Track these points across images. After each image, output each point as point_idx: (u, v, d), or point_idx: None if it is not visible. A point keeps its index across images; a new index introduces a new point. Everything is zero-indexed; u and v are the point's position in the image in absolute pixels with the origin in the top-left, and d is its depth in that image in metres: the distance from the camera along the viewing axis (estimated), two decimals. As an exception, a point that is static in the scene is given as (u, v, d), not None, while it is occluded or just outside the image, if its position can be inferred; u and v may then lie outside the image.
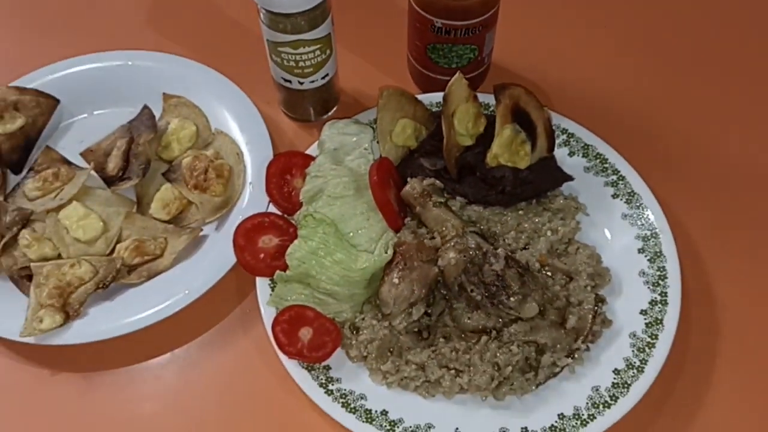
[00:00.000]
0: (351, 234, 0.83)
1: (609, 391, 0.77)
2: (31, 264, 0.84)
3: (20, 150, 0.94)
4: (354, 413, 0.76)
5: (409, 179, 0.87)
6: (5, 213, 0.88)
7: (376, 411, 0.77)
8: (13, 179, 0.94)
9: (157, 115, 0.96)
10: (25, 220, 0.88)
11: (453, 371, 0.78)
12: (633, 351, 0.80)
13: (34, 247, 0.85)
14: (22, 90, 0.96)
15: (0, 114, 0.93)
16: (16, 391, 0.82)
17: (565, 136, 0.94)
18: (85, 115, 0.99)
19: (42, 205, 0.89)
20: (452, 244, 0.80)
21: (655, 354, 0.79)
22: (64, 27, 1.09)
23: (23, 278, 0.85)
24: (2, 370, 0.83)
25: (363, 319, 0.81)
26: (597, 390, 0.78)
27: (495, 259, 0.79)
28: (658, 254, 0.85)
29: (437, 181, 0.87)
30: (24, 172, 0.94)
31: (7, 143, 0.93)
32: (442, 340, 0.80)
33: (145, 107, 0.95)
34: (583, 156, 0.93)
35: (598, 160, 0.92)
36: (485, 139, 0.89)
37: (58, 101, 0.97)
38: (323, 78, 0.93)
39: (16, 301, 0.84)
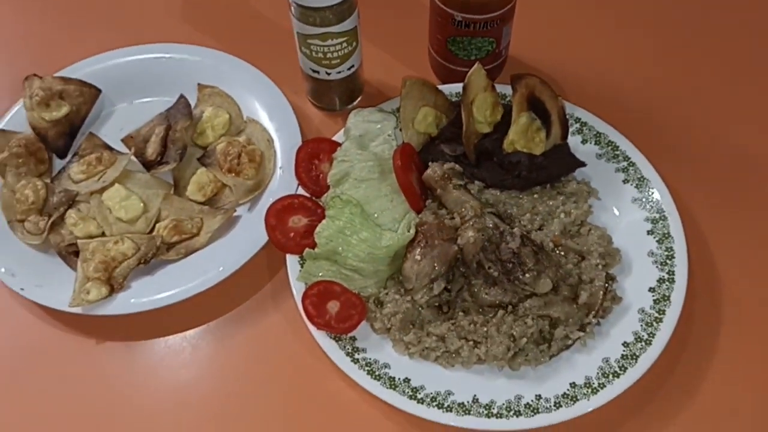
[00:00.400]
0: (375, 214, 0.88)
1: (618, 362, 0.82)
2: (78, 241, 0.90)
3: (65, 136, 1.00)
4: (379, 380, 0.82)
5: (430, 163, 0.92)
6: (53, 194, 0.94)
7: (399, 378, 0.82)
8: (58, 163, 1.00)
9: (193, 104, 1.02)
10: (71, 201, 0.94)
11: (471, 342, 0.83)
12: (641, 325, 0.84)
13: (80, 226, 0.91)
14: (66, 80, 1.02)
15: (46, 102, 0.99)
16: (65, 358, 0.88)
17: (578, 125, 0.98)
18: (126, 104, 1.05)
19: (86, 187, 0.95)
20: (471, 223, 0.85)
21: (662, 328, 0.83)
22: (105, 21, 1.16)
23: (70, 254, 0.91)
24: (52, 339, 0.89)
25: (386, 293, 0.86)
26: (607, 361, 0.82)
27: (511, 238, 0.84)
28: (666, 236, 0.89)
29: (457, 165, 0.92)
30: (69, 157, 1.00)
31: (53, 130, 0.99)
32: (461, 313, 0.85)
33: (182, 96, 1.01)
34: (595, 143, 0.97)
35: (609, 147, 0.97)
36: (502, 126, 0.94)
37: (100, 91, 1.03)
38: (349, 69, 0.98)
39: (63, 276, 0.90)
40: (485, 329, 0.83)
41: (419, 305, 0.85)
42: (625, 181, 0.95)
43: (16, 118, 1.01)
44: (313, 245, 0.86)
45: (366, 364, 0.83)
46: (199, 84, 1.03)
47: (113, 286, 0.87)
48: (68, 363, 0.88)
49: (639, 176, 0.94)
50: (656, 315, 0.84)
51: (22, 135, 0.98)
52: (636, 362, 0.81)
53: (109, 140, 1.00)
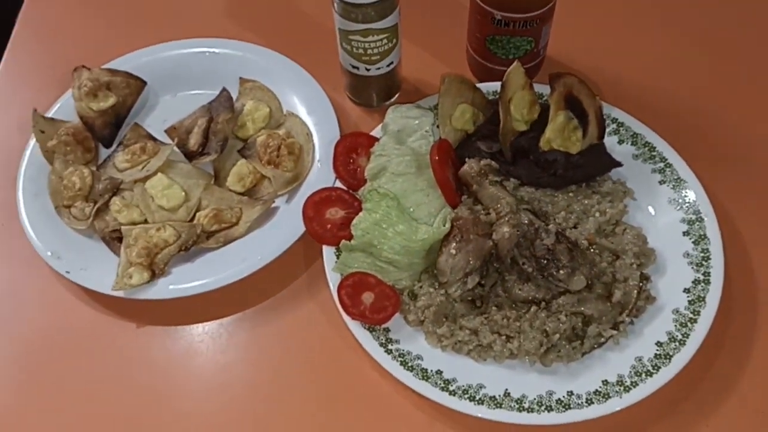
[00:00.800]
0: (412, 208, 0.89)
1: (651, 361, 0.82)
2: (122, 227, 0.93)
3: (111, 126, 1.03)
4: (411, 371, 0.83)
5: (467, 159, 0.93)
6: (98, 182, 0.97)
7: (431, 370, 0.83)
8: (104, 152, 1.03)
9: (234, 97, 1.04)
10: (116, 189, 0.96)
11: (504, 337, 0.84)
12: (675, 325, 0.84)
13: (123, 213, 0.94)
14: (114, 72, 1.04)
15: (94, 93, 1.02)
16: (106, 340, 0.90)
17: (615, 125, 0.98)
18: (169, 96, 1.08)
19: (130, 176, 0.97)
20: (506, 219, 0.86)
21: (697, 329, 0.83)
22: (152, 16, 1.19)
23: (114, 240, 0.94)
24: (94, 321, 0.91)
25: (421, 286, 0.87)
26: (640, 360, 0.82)
27: (546, 235, 0.85)
28: (702, 237, 0.89)
29: (493, 162, 0.92)
30: (114, 146, 1.02)
31: (100, 119, 1.02)
32: (494, 308, 0.86)
33: (224, 90, 1.03)
34: (632, 144, 0.97)
35: (646, 148, 0.96)
36: (539, 125, 0.94)
37: (145, 83, 1.06)
38: (388, 66, 0.99)
39: (107, 261, 0.92)
40: (518, 324, 0.84)
41: (453, 299, 0.86)
42: (662, 182, 0.94)
43: (64, 108, 1.04)
44: (350, 237, 0.88)
45: (399, 355, 0.84)
46: (241, 78, 1.05)
47: (155, 271, 0.90)
48: (109, 345, 0.90)
49: (676, 177, 0.94)
50: (691, 316, 0.84)
51: (70, 124, 1.01)
52: (669, 362, 0.81)
53: (152, 131, 1.03)
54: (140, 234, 0.91)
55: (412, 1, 1.03)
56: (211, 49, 1.08)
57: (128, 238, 0.92)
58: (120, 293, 0.89)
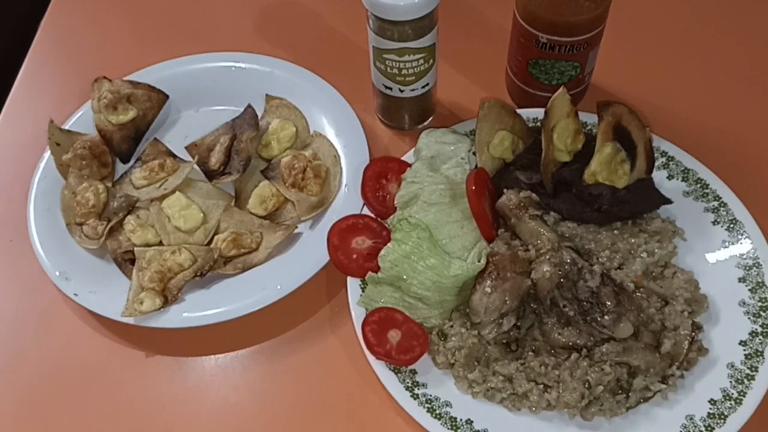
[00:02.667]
0: (444, 241, 0.83)
1: (704, 421, 0.75)
2: (135, 248, 0.88)
3: (130, 140, 0.98)
4: (439, 419, 0.76)
5: (505, 190, 0.87)
6: (113, 199, 0.92)
7: (461, 419, 0.76)
8: (121, 168, 0.98)
9: (260, 114, 0.99)
10: (131, 207, 0.91)
11: (541, 386, 0.77)
12: (731, 382, 0.77)
13: (138, 233, 0.89)
14: (135, 84, 1.00)
15: (114, 105, 0.98)
16: (113, 369, 0.85)
17: (664, 159, 0.92)
18: (192, 111, 1.03)
19: (147, 194, 0.92)
20: (547, 257, 0.80)
21: (755, 387, 0.76)
22: (177, 28, 1.14)
23: (126, 261, 0.89)
24: (101, 348, 0.86)
25: (451, 326, 0.81)
26: (691, 419, 0.75)
27: (590, 276, 0.78)
28: (760, 285, 0.82)
29: (534, 194, 0.86)
30: (132, 162, 0.98)
31: (119, 133, 0.98)
32: (530, 353, 0.80)
33: (249, 106, 0.99)
34: (682, 180, 0.91)
35: (698, 185, 0.90)
36: (583, 156, 0.88)
37: (167, 96, 1.02)
38: (423, 87, 0.94)
39: (118, 284, 0.87)
40: (557, 373, 0.77)
41: (486, 341, 0.80)
42: (715, 223, 0.88)
43: (82, 120, 1.00)
44: (377, 269, 0.82)
45: (426, 401, 0.77)
46: (267, 95, 1.01)
47: (167, 297, 0.84)
48: (116, 374, 0.85)
49: (731, 218, 0.87)
50: (748, 372, 0.77)
51: (87, 137, 0.97)
52: (724, 423, 0.74)
53: (173, 147, 0.98)
54: (154, 257, 0.86)
55: (451, 21, 0.97)
56: (238, 64, 1.04)
57: (141, 260, 0.86)
58: (130, 320, 0.83)
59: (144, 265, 0.86)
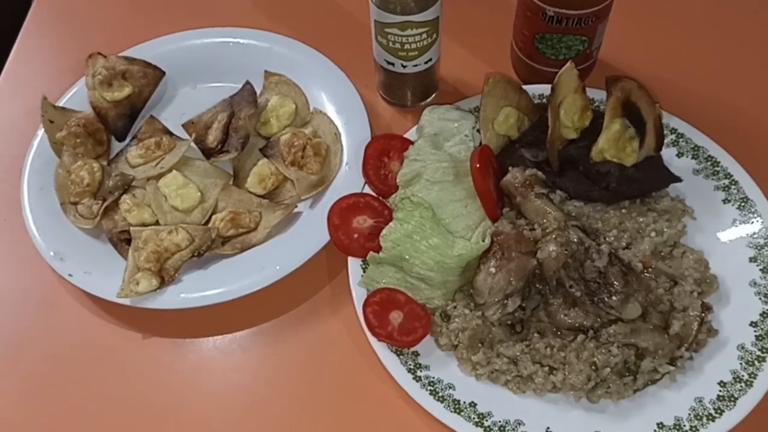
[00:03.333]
0: (448, 220, 0.81)
1: (714, 403, 0.73)
2: (131, 228, 0.86)
3: (125, 118, 0.96)
4: (442, 402, 0.74)
5: (510, 168, 0.84)
6: (108, 177, 0.90)
7: (464, 402, 0.75)
8: (116, 146, 0.96)
9: (258, 91, 0.96)
10: (127, 186, 0.89)
11: (546, 368, 0.76)
12: (741, 364, 0.75)
13: (134, 212, 0.87)
14: (131, 60, 0.98)
15: (109, 82, 0.95)
16: (109, 351, 0.83)
17: (674, 136, 0.90)
18: (189, 88, 1.01)
19: (143, 172, 0.90)
20: (553, 236, 0.78)
21: (766, 369, 0.74)
22: (174, 3, 1.11)
23: (122, 241, 0.87)
24: (97, 330, 0.84)
25: (455, 307, 0.79)
26: (700, 401, 0.74)
27: (598, 256, 0.76)
28: (773, 264, 0.80)
29: (539, 172, 0.84)
30: (128, 140, 0.96)
31: (114, 111, 0.95)
32: (536, 335, 0.78)
33: (247, 83, 0.96)
34: (692, 158, 0.88)
35: (709, 163, 0.88)
36: (590, 133, 0.86)
37: (164, 73, 0.99)
38: (426, 63, 0.91)
39: (114, 264, 0.85)
40: (563, 354, 0.76)
41: (490, 322, 0.78)
42: (726, 201, 0.85)
43: (77, 97, 0.98)
44: (378, 249, 0.80)
45: (429, 383, 0.76)
46: (266, 71, 0.98)
47: (164, 278, 0.82)
48: (112, 356, 0.83)
49: (742, 196, 0.85)
50: (758, 353, 0.75)
51: (81, 114, 0.95)
52: (734, 405, 0.72)
53: (169, 125, 0.96)
54: (150, 236, 0.84)
55: (455, -5, 0.95)
56: (236, 40, 1.01)
57: (137, 240, 0.84)
58: (126, 301, 0.81)
59: (140, 245, 0.84)
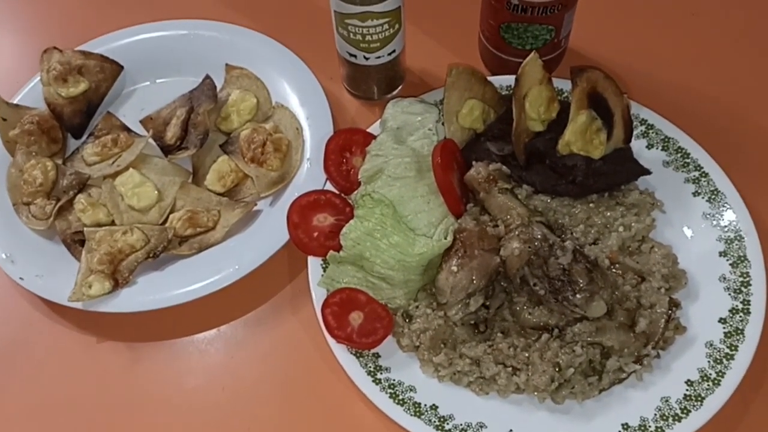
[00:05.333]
0: (409, 217, 0.79)
1: (680, 403, 0.71)
2: (85, 228, 0.83)
3: (82, 115, 0.93)
4: (402, 405, 0.73)
5: (474, 163, 0.82)
6: (63, 176, 0.87)
7: (425, 405, 0.73)
8: (73, 144, 0.93)
9: (219, 86, 0.94)
10: (82, 185, 0.87)
11: (510, 369, 0.74)
12: (709, 362, 0.73)
13: (88, 212, 0.85)
14: (87, 54, 0.95)
15: (64, 77, 0.92)
16: (63, 357, 0.81)
17: (643, 127, 0.88)
18: (148, 82, 0.98)
19: (99, 171, 0.88)
20: (517, 233, 0.75)
21: (734, 366, 0.72)
22: (132, -5, 1.09)
23: (76, 243, 0.84)
24: (50, 334, 0.82)
25: (417, 307, 0.77)
26: (667, 401, 0.72)
27: (562, 252, 0.74)
28: (742, 258, 0.78)
29: (504, 167, 0.82)
30: (84, 137, 0.93)
31: (70, 107, 0.93)
32: (499, 335, 0.76)
33: (207, 77, 0.94)
34: (662, 149, 0.86)
35: (679, 155, 0.86)
36: (557, 126, 0.84)
37: (121, 67, 0.97)
38: (390, 54, 0.89)
39: (67, 267, 0.83)
40: (527, 355, 0.74)
41: (453, 322, 0.76)
42: (696, 194, 0.83)
43: (31, 94, 0.95)
44: (338, 248, 0.78)
45: (389, 386, 0.74)
46: (227, 64, 0.96)
47: (118, 280, 0.80)
48: (66, 361, 0.81)
49: (712, 189, 0.83)
50: (727, 351, 0.73)
51: (35, 111, 0.92)
52: (701, 405, 0.71)
53: (127, 121, 0.94)
54: (104, 237, 0.82)
55: (419, -17, 0.92)
56: (196, 32, 0.99)
57: (91, 241, 0.82)
58: (78, 305, 0.79)
59: (94, 246, 0.82)
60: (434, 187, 0.81)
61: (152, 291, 0.80)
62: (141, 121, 0.93)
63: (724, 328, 0.75)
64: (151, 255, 0.82)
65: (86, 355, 0.81)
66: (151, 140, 0.90)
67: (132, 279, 0.81)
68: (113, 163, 0.88)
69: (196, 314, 0.81)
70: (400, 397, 0.73)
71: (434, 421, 0.71)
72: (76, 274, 0.81)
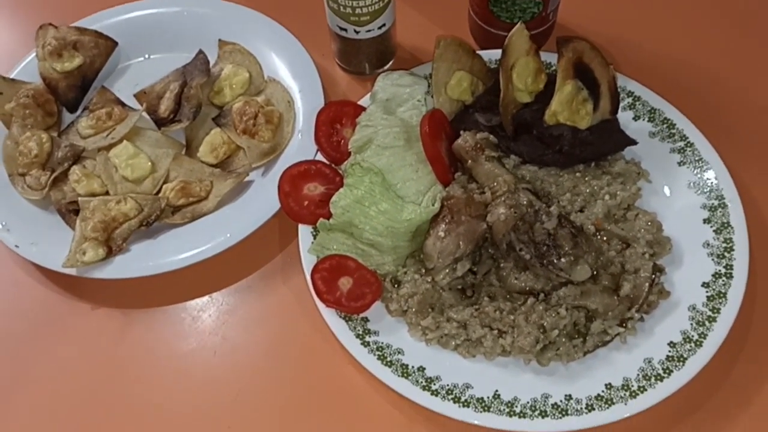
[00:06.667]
0: (398, 185, 0.80)
1: (663, 363, 0.72)
2: (79, 198, 0.84)
3: (77, 89, 0.94)
4: (390, 366, 0.74)
5: (461, 132, 0.83)
6: (58, 148, 0.88)
7: (412, 366, 0.74)
8: (68, 118, 0.94)
9: (212, 61, 0.95)
10: (77, 157, 0.88)
11: (496, 331, 0.75)
12: (691, 324, 0.74)
13: (83, 183, 0.86)
14: (82, 30, 0.96)
15: (59, 52, 0.94)
16: (58, 323, 0.82)
17: (630, 99, 0.89)
18: (142, 58, 1.00)
19: (94, 143, 0.89)
20: (503, 199, 0.77)
21: (716, 329, 0.73)
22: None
23: (71, 212, 0.86)
24: (46, 302, 0.83)
25: (405, 272, 0.79)
26: (649, 362, 0.73)
27: (547, 218, 0.75)
28: (725, 225, 0.79)
29: (491, 136, 0.83)
30: (79, 111, 0.94)
31: (65, 82, 0.94)
32: (486, 299, 0.77)
33: (200, 52, 0.95)
34: (648, 120, 0.87)
35: (664, 125, 0.87)
36: (544, 97, 0.85)
37: (116, 43, 0.98)
38: (380, 28, 0.90)
39: (62, 235, 0.84)
40: (512, 318, 0.75)
41: (440, 287, 0.77)
42: (681, 163, 0.84)
43: (27, 69, 0.96)
44: (328, 216, 0.79)
45: (377, 348, 0.75)
46: (220, 40, 0.97)
47: (111, 247, 0.82)
48: (61, 326, 0.82)
49: (697, 158, 0.84)
50: (709, 314, 0.75)
51: (31, 85, 0.93)
52: (683, 365, 0.72)
53: (122, 95, 0.95)
54: (98, 206, 0.83)
55: (409, -43, 0.93)
56: (189, 9, 1.00)
57: (85, 210, 0.83)
58: (72, 271, 0.80)
59: (88, 214, 0.83)
60: (423, 156, 0.82)
61: (146, 258, 0.81)
62: (135, 95, 0.94)
63: (707, 292, 0.76)
64: (144, 223, 0.83)
65: (81, 321, 0.82)
66: (144, 114, 0.91)
67: (126, 246, 0.82)
68: (108, 135, 0.89)
69: (188, 281, 0.82)
70: (388, 359, 0.74)
71: (421, 382, 0.73)
72: (71, 242, 0.82)
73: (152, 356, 0.80)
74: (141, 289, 0.82)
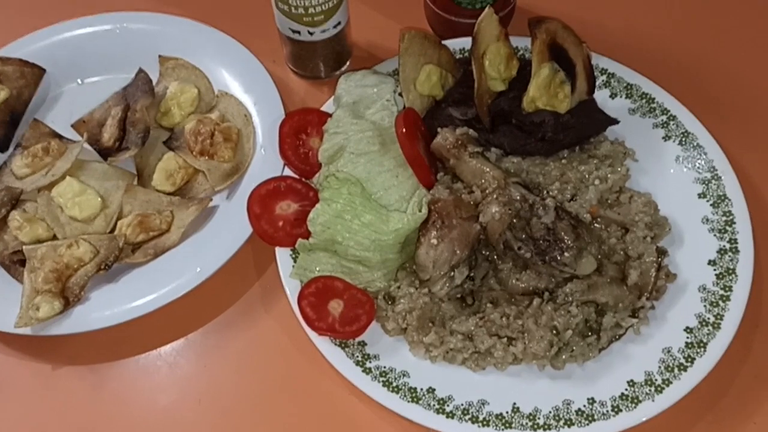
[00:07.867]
0: (379, 193, 0.75)
1: (683, 351, 0.69)
2: (24, 247, 0.76)
3: (5, 125, 0.87)
4: (397, 392, 0.68)
5: (439, 130, 0.78)
6: (-8, 194, 0.79)
7: (421, 389, 0.69)
8: (-1, 158, 0.85)
9: (154, 79, 0.88)
10: (15, 201, 0.80)
11: (505, 339, 0.70)
12: (705, 306, 0.71)
13: (25, 229, 0.78)
14: (4, 60, 0.89)
15: (-20, 86, 0.84)
16: (18, 390, 0.74)
17: (604, 77, 0.86)
18: (75, 84, 0.93)
19: (32, 183, 0.82)
20: (494, 197, 0.72)
21: (732, 308, 0.71)
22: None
23: (15, 263, 0.78)
24: (2, 368, 0.74)
25: (398, 287, 0.74)
26: (669, 351, 0.69)
27: (544, 211, 0.71)
28: (722, 197, 0.77)
29: (470, 130, 0.78)
30: (11, 149, 0.86)
31: (-10, 119, 0.85)
32: (489, 305, 0.72)
33: (141, 71, 0.88)
34: (626, 97, 0.84)
35: (644, 100, 0.84)
36: (518, 83, 0.81)
37: (44, 70, 0.91)
38: (335, 27, 0.84)
39: (9, 291, 0.76)
40: (521, 322, 0.70)
41: (439, 298, 0.72)
42: (666, 138, 0.82)
43: (-53, 108, 0.86)
44: (307, 235, 0.74)
45: (380, 374, 0.69)
46: (160, 56, 0.90)
47: (68, 298, 0.74)
48: (22, 394, 0.74)
49: (682, 131, 0.81)
50: (721, 292, 0.72)
51: (-48, 126, 0.84)
52: (704, 351, 0.69)
53: (57, 127, 0.87)
54: (47, 254, 0.75)
55: (357, -51, 0.88)
56: (122, 25, 0.93)
57: (33, 260, 0.75)
58: (26, 330, 0.72)
59: (36, 264, 0.75)
60: (401, 160, 0.77)
61: (108, 305, 0.74)
62: (73, 126, 0.87)
63: (714, 270, 0.73)
64: (102, 267, 0.75)
65: (44, 385, 0.74)
66: (86, 144, 0.84)
67: (84, 295, 0.75)
68: (47, 173, 0.81)
69: (160, 325, 0.76)
70: (394, 384, 0.69)
71: (433, 405, 0.67)
72: (21, 297, 0.73)
73: (129, 413, 0.73)
74: (107, 341, 0.75)
